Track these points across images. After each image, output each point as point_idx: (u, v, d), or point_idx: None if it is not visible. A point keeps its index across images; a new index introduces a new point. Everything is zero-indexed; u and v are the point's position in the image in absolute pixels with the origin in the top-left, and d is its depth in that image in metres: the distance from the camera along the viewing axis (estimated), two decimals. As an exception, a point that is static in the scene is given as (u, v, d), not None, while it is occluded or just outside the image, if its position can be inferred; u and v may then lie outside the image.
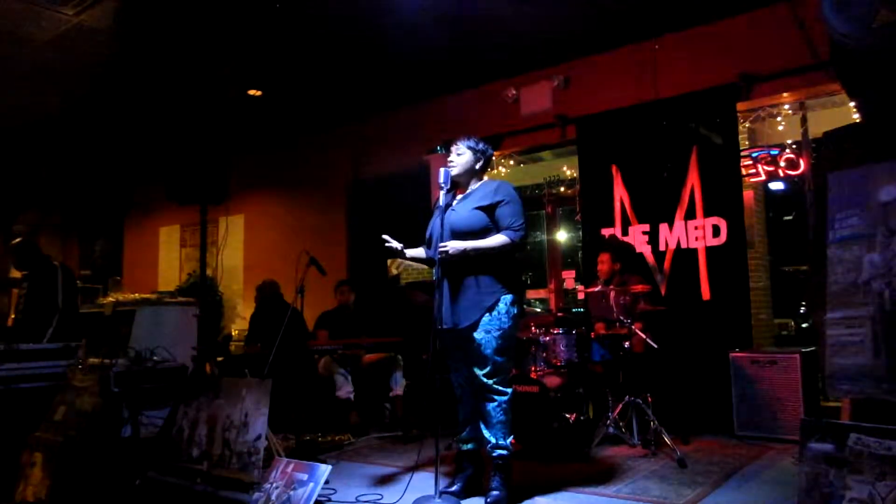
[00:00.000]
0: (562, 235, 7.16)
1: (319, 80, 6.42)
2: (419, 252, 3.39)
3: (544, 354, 4.43)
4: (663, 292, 5.23)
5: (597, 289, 4.78)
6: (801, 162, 5.37)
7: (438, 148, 6.48)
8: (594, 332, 4.74)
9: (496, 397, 3.11)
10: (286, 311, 4.27)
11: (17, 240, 4.84)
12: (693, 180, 5.21)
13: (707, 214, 5.12)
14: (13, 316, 8.09)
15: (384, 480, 3.63)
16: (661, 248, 5.33)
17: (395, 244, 3.29)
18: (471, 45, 5.74)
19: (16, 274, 8.24)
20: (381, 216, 7.28)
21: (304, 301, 4.26)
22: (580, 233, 6.07)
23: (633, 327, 4.32)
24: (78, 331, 4.49)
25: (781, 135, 5.55)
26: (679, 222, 5.25)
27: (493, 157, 6.36)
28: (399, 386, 5.38)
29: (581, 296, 5.33)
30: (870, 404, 2.27)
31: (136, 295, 5.96)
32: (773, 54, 5.01)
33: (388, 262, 5.10)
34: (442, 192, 3.25)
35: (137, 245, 10.12)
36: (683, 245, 5.22)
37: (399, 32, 5.30)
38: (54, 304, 4.52)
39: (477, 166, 3.32)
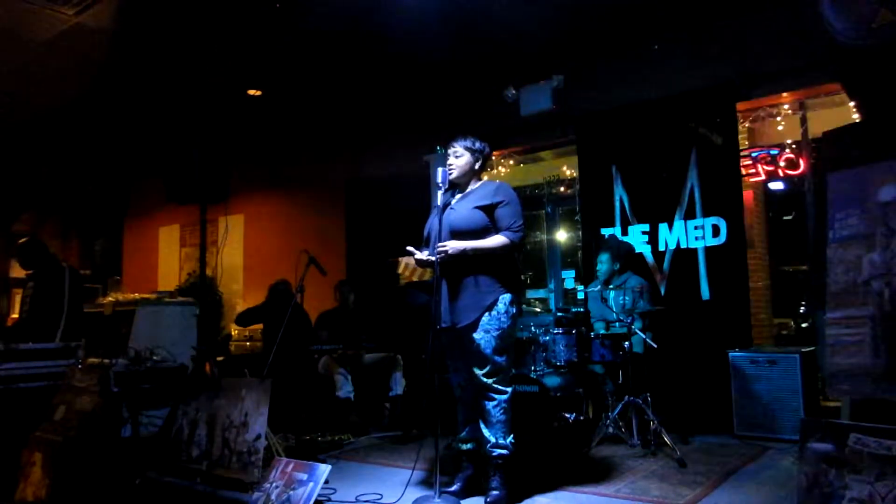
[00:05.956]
0: (562, 235, 7.15)
1: (319, 79, 6.42)
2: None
3: (544, 354, 4.43)
4: (663, 292, 5.23)
5: (596, 289, 4.78)
6: (801, 162, 5.38)
7: (438, 148, 6.48)
8: (594, 332, 4.73)
9: (496, 396, 3.11)
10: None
11: (25, 239, 4.82)
12: (693, 180, 5.21)
13: (707, 214, 5.12)
14: (14, 316, 8.10)
15: (384, 480, 3.63)
16: (661, 247, 5.34)
17: (421, 254, 3.20)
18: (471, 45, 5.74)
19: (17, 274, 8.25)
20: (381, 216, 7.28)
21: (303, 301, 4.27)
22: (580, 233, 6.07)
23: (632, 327, 4.32)
24: (80, 331, 4.49)
25: (781, 135, 5.55)
26: (679, 222, 5.25)
27: (493, 157, 6.46)
28: (399, 386, 5.38)
29: (581, 296, 5.33)
30: (870, 404, 2.27)
31: (136, 295, 5.95)
32: (773, 54, 5.01)
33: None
34: (440, 192, 3.24)
35: (137, 245, 10.12)
36: (683, 245, 5.22)
37: (399, 32, 5.29)
38: (61, 304, 4.51)
39: (476, 166, 3.32)
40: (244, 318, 6.10)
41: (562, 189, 6.91)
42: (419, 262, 3.25)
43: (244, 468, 3.06)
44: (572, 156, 6.19)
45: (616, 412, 4.22)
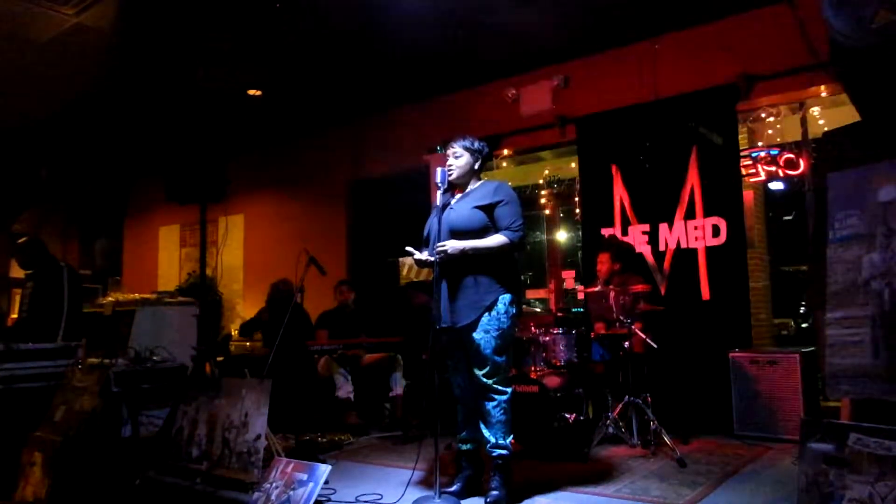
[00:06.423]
0: (562, 235, 7.16)
1: (319, 79, 6.42)
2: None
3: (544, 354, 4.43)
4: (663, 292, 5.23)
5: (596, 289, 4.78)
6: (801, 162, 5.37)
7: (438, 148, 6.48)
8: (594, 332, 4.73)
9: (496, 397, 3.11)
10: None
11: (24, 238, 4.82)
12: (693, 180, 5.21)
13: (707, 214, 5.12)
14: (14, 316, 8.10)
15: (384, 480, 3.63)
16: (661, 248, 5.33)
17: (420, 255, 3.21)
18: (471, 45, 5.74)
19: (17, 274, 8.24)
20: (381, 216, 7.29)
21: (303, 301, 4.27)
22: (580, 233, 6.07)
23: (632, 327, 4.32)
24: (79, 331, 4.49)
25: (781, 135, 5.55)
26: (679, 222, 5.25)
27: (493, 157, 6.46)
28: (399, 386, 5.38)
29: (581, 296, 5.32)
30: (870, 404, 2.27)
31: (136, 295, 5.96)
32: (773, 54, 5.01)
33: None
34: (439, 192, 3.24)
35: (137, 245, 10.12)
36: (683, 245, 5.22)
37: (399, 32, 5.30)
38: (60, 304, 4.51)
39: (476, 166, 3.32)
40: (246, 330, 6.19)
41: (562, 189, 6.91)
42: (418, 263, 3.25)
43: (244, 468, 3.06)
44: (572, 156, 6.19)
45: (616, 412, 4.22)
